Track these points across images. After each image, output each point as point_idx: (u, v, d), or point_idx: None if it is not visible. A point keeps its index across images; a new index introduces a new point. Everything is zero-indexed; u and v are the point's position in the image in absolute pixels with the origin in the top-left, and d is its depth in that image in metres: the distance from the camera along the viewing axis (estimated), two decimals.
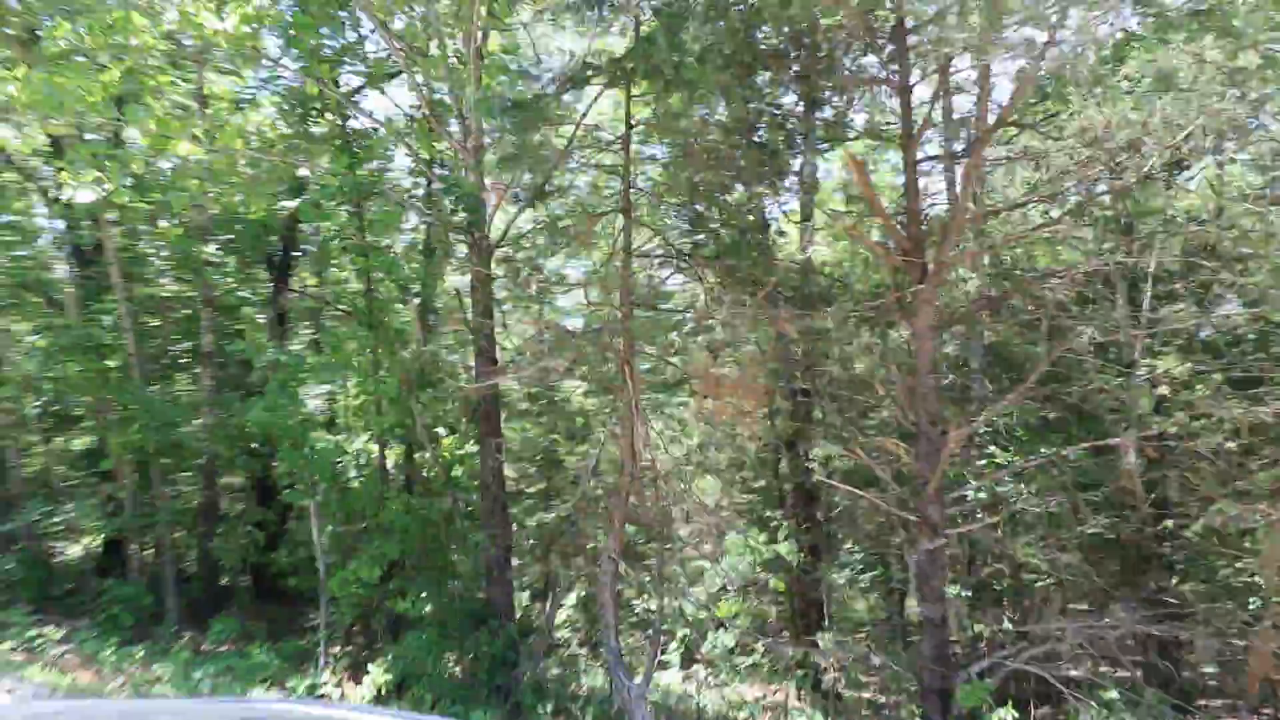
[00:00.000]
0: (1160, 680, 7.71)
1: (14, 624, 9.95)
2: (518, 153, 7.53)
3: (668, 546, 9.07)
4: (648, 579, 9.00)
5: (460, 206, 8.87)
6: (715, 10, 6.98)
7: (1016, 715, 9.15)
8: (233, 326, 13.83)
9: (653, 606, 11.30)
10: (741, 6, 7.04)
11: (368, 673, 8.65)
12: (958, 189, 6.87)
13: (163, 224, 12.81)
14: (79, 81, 7.92)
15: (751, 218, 8.78)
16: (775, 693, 12.19)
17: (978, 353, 11.83)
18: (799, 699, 11.94)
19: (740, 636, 12.83)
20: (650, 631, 9.20)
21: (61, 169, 8.19)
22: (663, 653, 12.30)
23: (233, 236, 12.93)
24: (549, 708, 9.12)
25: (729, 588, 10.81)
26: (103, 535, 13.38)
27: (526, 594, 10.82)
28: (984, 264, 8.33)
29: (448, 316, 9.42)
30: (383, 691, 8.55)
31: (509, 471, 10.35)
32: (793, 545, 10.19)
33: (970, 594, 9.34)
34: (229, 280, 13.37)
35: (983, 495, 9.00)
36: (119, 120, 8.41)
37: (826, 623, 11.22)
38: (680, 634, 12.18)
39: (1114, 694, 7.95)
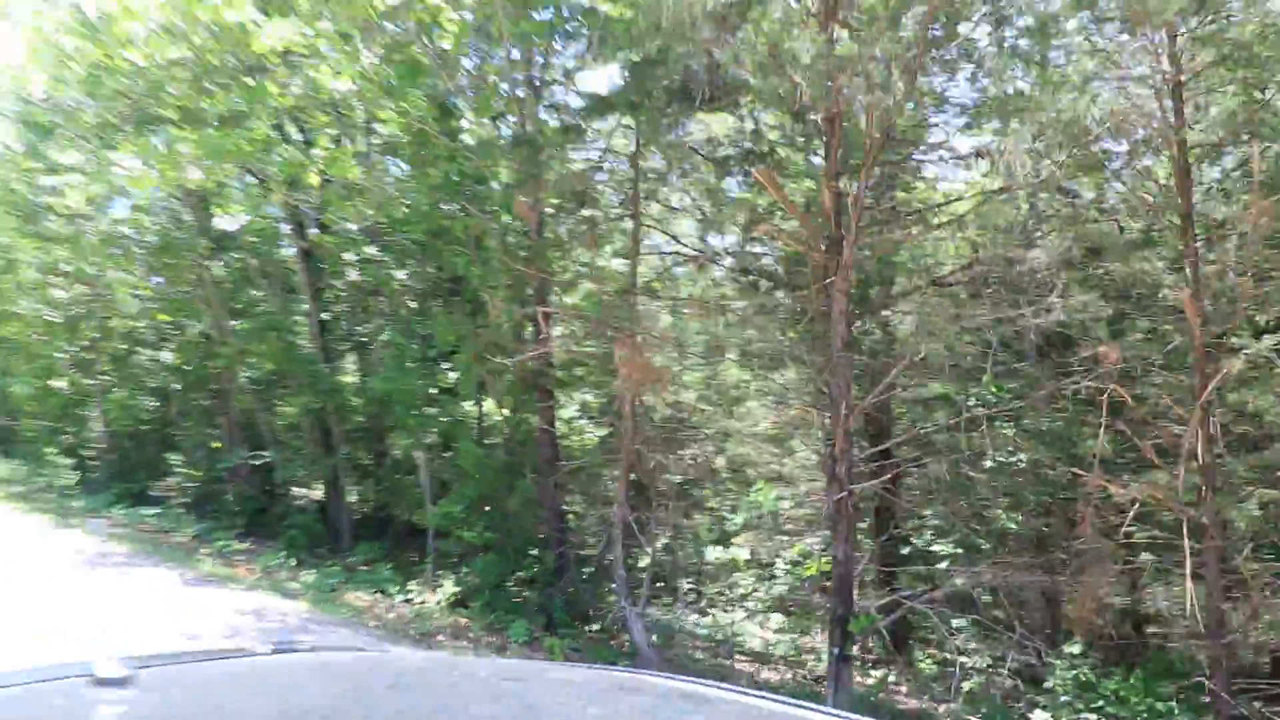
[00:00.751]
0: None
1: (218, 538, 13.38)
2: (523, 179, 9.53)
3: (662, 495, 10.75)
4: (654, 524, 10.72)
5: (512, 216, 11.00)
6: (663, 58, 8.59)
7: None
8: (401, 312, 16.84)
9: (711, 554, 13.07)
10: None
11: (441, 586, 11.14)
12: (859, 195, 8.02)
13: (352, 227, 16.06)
14: (233, 138, 10.79)
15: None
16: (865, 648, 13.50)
17: (1029, 330, 12.51)
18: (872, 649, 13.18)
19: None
20: (646, 566, 10.95)
21: (217, 204, 11.18)
22: (733, 599, 14.02)
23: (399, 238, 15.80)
24: (594, 625, 11.25)
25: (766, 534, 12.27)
26: (306, 478, 17.02)
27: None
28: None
29: (500, 300, 11.48)
30: (452, 602, 10.99)
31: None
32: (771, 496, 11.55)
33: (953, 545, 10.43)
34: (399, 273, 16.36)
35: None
36: (260, 164, 11.26)
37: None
38: (745, 580, 13.83)
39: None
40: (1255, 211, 6.23)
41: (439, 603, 10.98)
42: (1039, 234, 8.66)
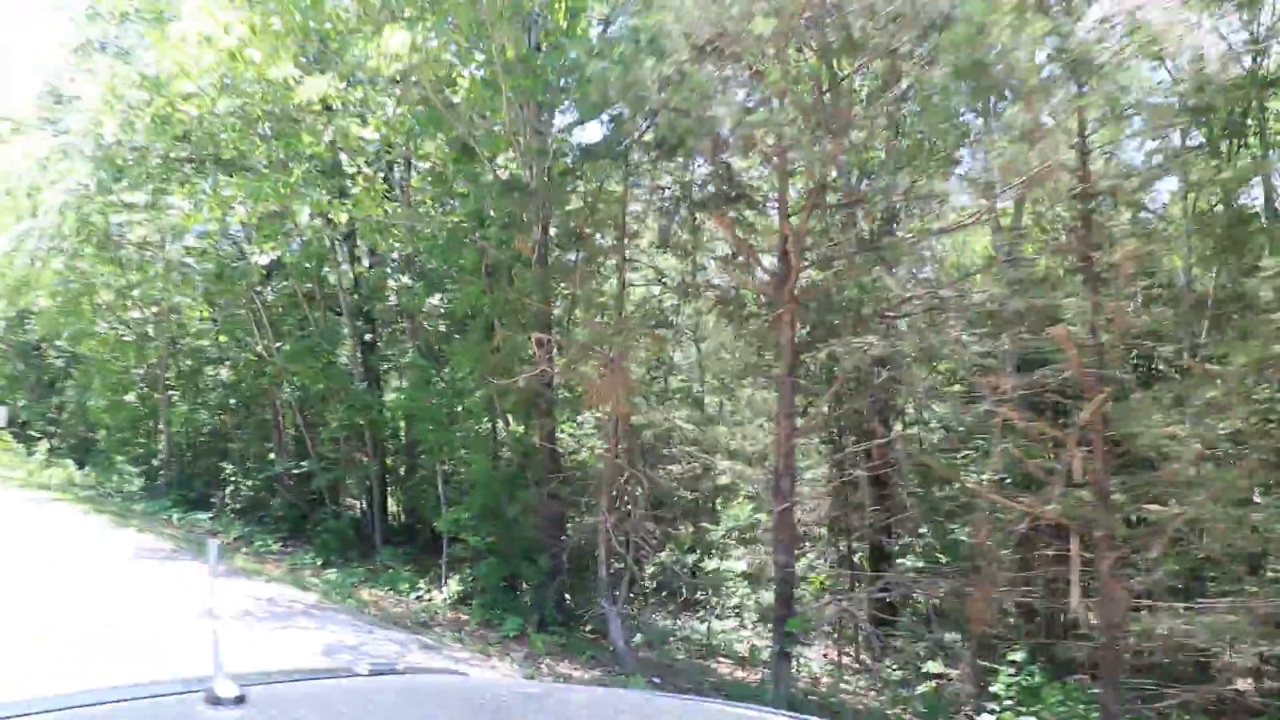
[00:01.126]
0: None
1: (259, 540, 14.75)
2: (511, 221, 10.72)
3: (643, 506, 11.70)
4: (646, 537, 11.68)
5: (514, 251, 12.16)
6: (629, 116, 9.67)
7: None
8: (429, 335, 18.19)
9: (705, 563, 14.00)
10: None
11: (446, 586, 12.27)
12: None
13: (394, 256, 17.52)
14: (269, 183, 12.20)
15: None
16: (842, 652, 14.24)
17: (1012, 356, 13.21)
18: (861, 658, 13.91)
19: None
20: (623, 572, 11.87)
21: (256, 240, 12.58)
22: (729, 608, 14.90)
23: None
24: (586, 625, 12.24)
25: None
26: (346, 488, 18.39)
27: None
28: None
29: (503, 328, 12.60)
30: (456, 599, 12.11)
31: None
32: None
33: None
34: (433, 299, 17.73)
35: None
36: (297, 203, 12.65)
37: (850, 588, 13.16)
38: (741, 592, 14.72)
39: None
40: (1124, 255, 7.01)
41: (444, 600, 12.10)
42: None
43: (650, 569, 13.60)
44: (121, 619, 7.46)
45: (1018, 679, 9.98)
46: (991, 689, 9.93)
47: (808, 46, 7.89)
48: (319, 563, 13.58)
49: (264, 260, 12.63)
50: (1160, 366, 8.76)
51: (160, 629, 7.35)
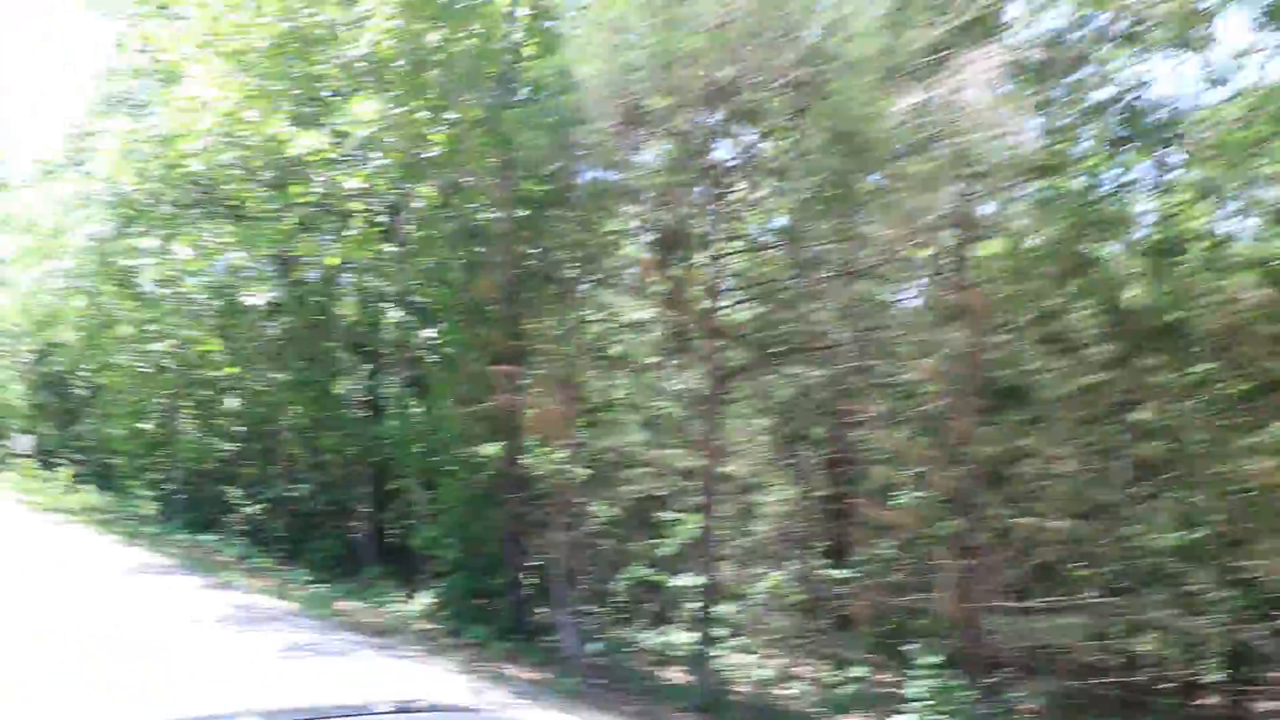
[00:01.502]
0: None
1: (255, 558, 15.88)
2: (476, 264, 11.91)
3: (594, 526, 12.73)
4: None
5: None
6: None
7: None
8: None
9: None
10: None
11: (418, 598, 13.34)
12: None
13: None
14: (265, 231, 13.50)
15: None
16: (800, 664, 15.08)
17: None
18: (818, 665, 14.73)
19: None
20: (575, 584, 12.84)
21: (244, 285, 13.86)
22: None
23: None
24: (545, 634, 13.21)
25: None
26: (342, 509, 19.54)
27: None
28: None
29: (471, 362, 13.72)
30: (427, 611, 13.15)
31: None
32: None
33: None
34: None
35: None
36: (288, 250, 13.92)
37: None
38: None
39: None
40: (976, 297, 8.02)
41: (416, 611, 13.15)
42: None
43: (622, 583, 14.55)
44: (89, 621, 8.52)
45: (930, 680, 10.88)
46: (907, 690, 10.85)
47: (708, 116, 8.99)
48: (308, 578, 14.66)
49: (254, 301, 13.94)
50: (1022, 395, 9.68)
51: (126, 632, 8.37)
